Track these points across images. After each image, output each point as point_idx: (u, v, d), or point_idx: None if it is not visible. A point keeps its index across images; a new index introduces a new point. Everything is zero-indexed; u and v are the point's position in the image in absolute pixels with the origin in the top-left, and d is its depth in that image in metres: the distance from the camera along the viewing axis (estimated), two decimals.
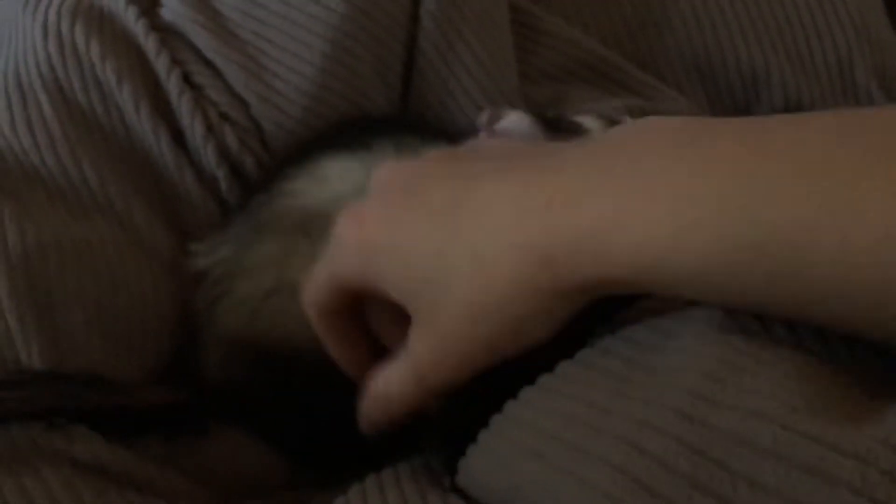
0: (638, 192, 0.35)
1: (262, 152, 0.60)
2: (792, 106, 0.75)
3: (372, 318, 0.46)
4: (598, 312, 0.45)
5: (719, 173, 0.33)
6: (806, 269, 0.31)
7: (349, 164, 0.54)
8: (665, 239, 0.34)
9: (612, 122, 0.52)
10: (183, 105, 0.58)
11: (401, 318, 0.43)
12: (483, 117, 0.51)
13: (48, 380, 0.47)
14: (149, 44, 0.60)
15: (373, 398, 0.45)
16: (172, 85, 0.59)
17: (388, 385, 0.43)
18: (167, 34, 0.61)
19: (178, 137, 0.59)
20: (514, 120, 0.50)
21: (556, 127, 0.51)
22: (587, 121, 0.52)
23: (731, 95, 0.76)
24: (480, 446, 0.42)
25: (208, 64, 0.60)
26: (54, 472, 0.44)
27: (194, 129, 0.58)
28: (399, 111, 0.63)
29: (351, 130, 0.59)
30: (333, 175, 0.54)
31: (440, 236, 0.40)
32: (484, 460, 0.41)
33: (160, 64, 0.59)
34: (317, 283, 0.45)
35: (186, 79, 0.60)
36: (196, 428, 0.51)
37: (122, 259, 0.54)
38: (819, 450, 0.29)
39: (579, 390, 0.38)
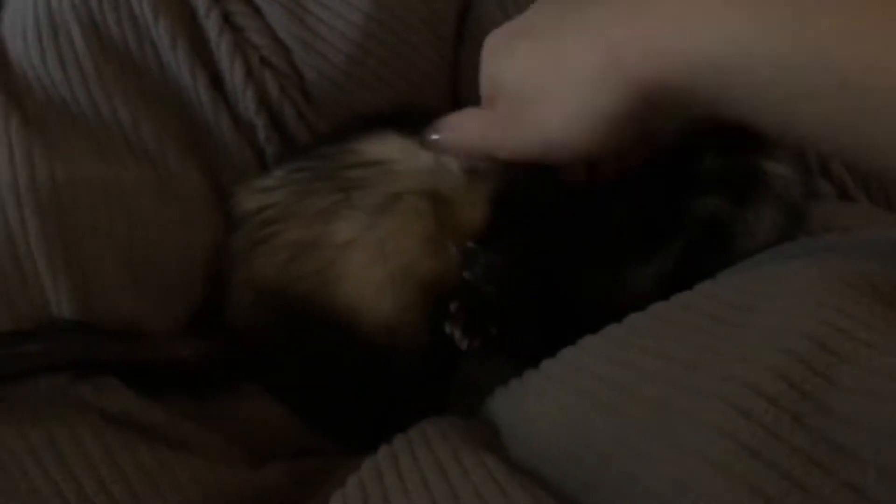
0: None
1: (303, 102, 0.57)
2: None
3: None
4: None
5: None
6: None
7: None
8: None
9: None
10: (222, 46, 0.55)
11: None
12: None
13: (75, 331, 0.45)
14: None
15: (449, 122, 0.51)
16: (212, 24, 0.56)
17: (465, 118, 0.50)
18: None
19: (216, 80, 0.56)
20: None
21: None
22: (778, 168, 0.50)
23: None
24: (533, 388, 0.41)
25: (250, 4, 0.57)
26: (83, 422, 0.42)
27: (233, 73, 0.55)
28: (449, 69, 0.60)
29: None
30: (397, 145, 0.52)
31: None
32: (540, 404, 0.40)
33: (200, 1, 0.56)
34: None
35: (227, 19, 0.57)
36: (226, 385, 0.49)
37: (155, 202, 0.51)
38: None
39: (656, 344, 0.36)
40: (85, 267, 0.46)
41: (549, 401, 0.39)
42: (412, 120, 0.53)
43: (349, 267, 0.49)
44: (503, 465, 0.38)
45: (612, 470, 0.33)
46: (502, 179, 0.51)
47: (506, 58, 0.48)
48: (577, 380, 0.38)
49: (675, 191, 0.50)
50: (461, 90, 0.62)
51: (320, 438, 0.51)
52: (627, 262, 0.50)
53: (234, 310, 0.52)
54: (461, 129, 0.51)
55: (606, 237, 0.50)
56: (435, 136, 0.51)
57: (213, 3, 0.56)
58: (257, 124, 0.56)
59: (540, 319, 0.49)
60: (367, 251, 0.49)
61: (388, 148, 0.52)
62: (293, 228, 0.50)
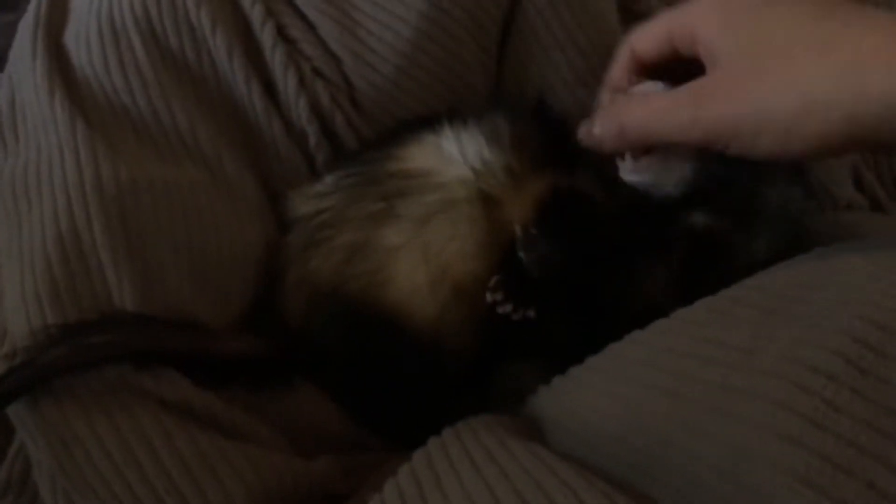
0: None
1: (352, 111, 0.59)
2: None
3: None
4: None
5: None
6: None
7: (454, 140, 0.54)
8: None
9: None
10: (276, 58, 0.57)
11: None
12: None
13: (138, 323, 0.46)
14: None
15: (634, 108, 0.46)
16: (266, 36, 0.58)
17: (660, 101, 0.45)
18: None
19: (269, 89, 0.58)
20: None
21: None
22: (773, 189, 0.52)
23: None
24: (580, 381, 0.42)
25: (302, 17, 0.59)
26: (144, 410, 0.44)
27: (287, 83, 0.57)
28: (492, 80, 0.62)
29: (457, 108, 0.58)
30: (435, 152, 0.54)
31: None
32: (588, 396, 0.41)
33: (255, 14, 0.58)
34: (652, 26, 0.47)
35: (280, 31, 0.59)
36: (279, 380, 0.51)
37: (211, 203, 0.53)
38: None
39: (710, 333, 0.37)
40: (146, 262, 0.48)
41: (598, 391, 0.40)
42: (444, 119, 0.55)
43: (396, 270, 0.51)
44: (550, 451, 0.39)
45: (667, 449, 0.34)
46: (546, 182, 0.52)
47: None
48: (629, 370, 0.39)
49: (677, 204, 0.50)
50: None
51: (368, 435, 0.52)
52: (638, 268, 0.52)
53: (289, 308, 0.53)
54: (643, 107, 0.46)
55: (624, 244, 0.52)
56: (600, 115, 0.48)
57: (267, 16, 0.58)
58: (309, 132, 0.58)
59: (573, 313, 0.51)
60: (413, 256, 0.51)
61: (428, 155, 0.54)
62: (347, 232, 0.52)
